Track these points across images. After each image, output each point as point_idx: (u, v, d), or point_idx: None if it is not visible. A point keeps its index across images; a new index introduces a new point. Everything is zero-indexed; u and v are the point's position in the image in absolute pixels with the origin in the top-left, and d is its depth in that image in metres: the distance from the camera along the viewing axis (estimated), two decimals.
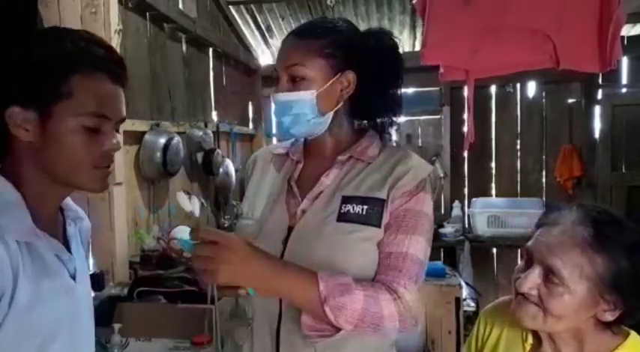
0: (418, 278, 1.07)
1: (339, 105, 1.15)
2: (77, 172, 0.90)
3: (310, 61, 1.11)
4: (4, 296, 0.82)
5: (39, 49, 0.89)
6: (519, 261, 1.10)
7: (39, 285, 0.87)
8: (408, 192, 1.10)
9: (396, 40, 1.18)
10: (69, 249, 0.97)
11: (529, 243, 1.05)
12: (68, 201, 1.02)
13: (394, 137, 1.26)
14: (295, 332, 1.06)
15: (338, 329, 1.01)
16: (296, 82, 1.12)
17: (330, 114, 1.15)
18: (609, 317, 0.99)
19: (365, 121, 1.23)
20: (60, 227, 0.99)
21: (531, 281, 1.00)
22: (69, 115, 0.87)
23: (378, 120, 1.21)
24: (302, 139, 1.23)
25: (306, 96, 1.11)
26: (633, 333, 1.03)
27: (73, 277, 0.96)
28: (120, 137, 0.92)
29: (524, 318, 1.02)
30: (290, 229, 1.13)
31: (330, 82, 1.12)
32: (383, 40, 1.17)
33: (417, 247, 1.08)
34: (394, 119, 1.21)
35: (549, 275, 0.99)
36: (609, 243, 0.97)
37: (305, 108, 1.12)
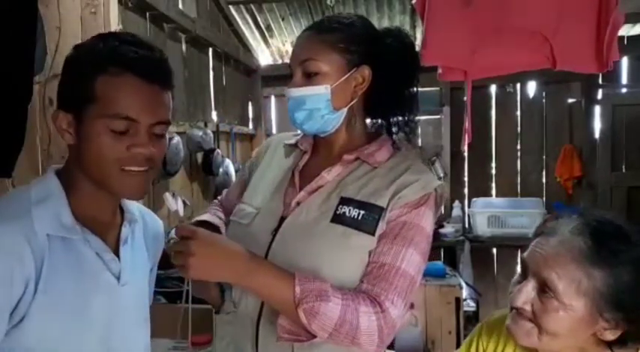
0: (407, 295, 1.01)
1: (353, 102, 1.12)
2: (106, 175, 0.88)
3: (324, 55, 1.09)
4: (29, 286, 0.82)
5: (76, 52, 0.90)
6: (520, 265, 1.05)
7: (72, 279, 0.87)
8: (410, 204, 1.05)
9: (412, 38, 1.16)
10: (118, 251, 0.96)
11: (524, 254, 0.97)
12: (126, 202, 1.01)
13: (412, 138, 1.19)
14: (275, 319, 1.02)
15: (314, 336, 0.96)
16: (310, 77, 1.09)
17: (344, 111, 1.12)
18: (610, 336, 0.91)
19: (379, 120, 1.18)
20: (116, 229, 0.98)
21: (525, 295, 0.93)
22: (95, 118, 0.86)
23: (393, 119, 1.17)
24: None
25: (320, 91, 1.09)
26: None
27: (117, 278, 0.94)
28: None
29: (518, 335, 0.95)
30: (283, 219, 1.10)
31: (345, 77, 1.09)
32: (400, 37, 1.14)
33: (412, 263, 1.02)
34: (410, 117, 1.16)
35: (544, 288, 0.91)
36: (609, 256, 0.88)
37: (319, 103, 1.09)
